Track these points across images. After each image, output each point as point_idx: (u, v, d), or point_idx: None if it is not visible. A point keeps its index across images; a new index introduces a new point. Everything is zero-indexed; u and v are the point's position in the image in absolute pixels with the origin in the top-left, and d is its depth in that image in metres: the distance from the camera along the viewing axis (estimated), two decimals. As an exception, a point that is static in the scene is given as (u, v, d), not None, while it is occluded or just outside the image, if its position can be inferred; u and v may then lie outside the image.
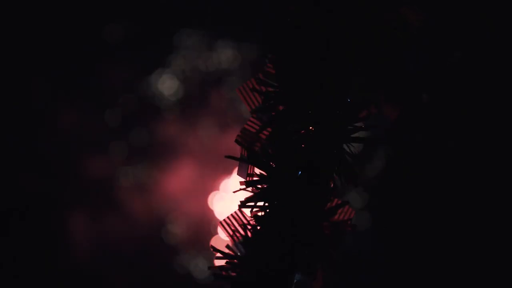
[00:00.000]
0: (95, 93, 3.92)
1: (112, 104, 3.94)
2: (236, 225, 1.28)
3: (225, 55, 4.01)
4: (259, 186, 1.26)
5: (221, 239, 3.95)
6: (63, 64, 3.87)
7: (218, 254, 1.28)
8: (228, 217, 1.28)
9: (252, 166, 1.26)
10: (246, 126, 1.26)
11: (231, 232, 1.29)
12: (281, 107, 1.25)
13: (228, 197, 4.06)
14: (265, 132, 1.24)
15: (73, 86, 3.89)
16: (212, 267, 1.29)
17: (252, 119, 1.26)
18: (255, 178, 1.26)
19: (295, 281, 1.29)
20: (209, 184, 4.06)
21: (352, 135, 1.24)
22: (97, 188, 3.89)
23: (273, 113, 1.25)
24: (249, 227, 1.28)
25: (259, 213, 1.27)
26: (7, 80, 3.82)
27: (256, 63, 3.91)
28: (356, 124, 1.23)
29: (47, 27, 3.84)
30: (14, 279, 3.69)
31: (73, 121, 3.89)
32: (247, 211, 1.30)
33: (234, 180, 4.08)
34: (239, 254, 1.29)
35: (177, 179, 4.02)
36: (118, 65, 3.93)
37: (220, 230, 3.86)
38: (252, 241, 1.28)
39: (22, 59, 3.83)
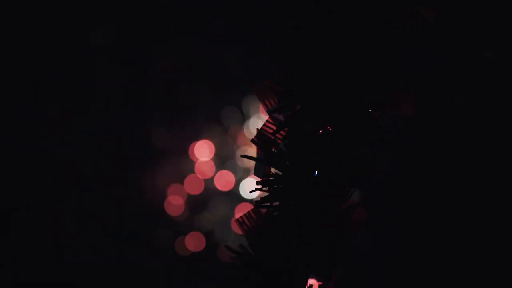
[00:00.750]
0: (90, 93, 3.91)
1: (110, 103, 3.93)
2: (251, 224, 1.29)
3: (225, 55, 4.01)
4: (275, 186, 1.26)
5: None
6: (60, 64, 3.87)
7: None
8: (242, 216, 1.29)
9: (268, 166, 1.26)
10: (263, 126, 1.26)
11: (244, 231, 1.29)
12: (297, 107, 1.25)
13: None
14: (282, 132, 1.25)
15: (68, 85, 3.88)
16: (225, 266, 1.29)
17: (268, 119, 1.26)
18: (271, 178, 1.26)
19: (308, 282, 1.29)
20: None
21: (367, 136, 1.24)
22: (94, 187, 3.88)
23: (289, 113, 1.25)
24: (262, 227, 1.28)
25: (274, 213, 1.28)
26: (5, 80, 3.81)
27: (257, 63, 3.91)
28: (371, 125, 1.23)
29: (45, 27, 3.83)
30: (14, 279, 3.68)
31: (71, 120, 3.88)
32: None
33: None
34: (251, 254, 1.29)
35: (168, 177, 4.02)
36: (112, 65, 3.93)
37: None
38: (265, 241, 1.28)
39: (20, 59, 3.82)
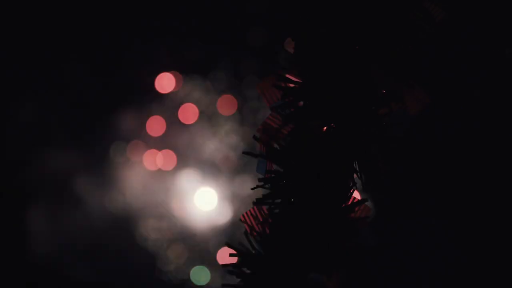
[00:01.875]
0: (58, 87, 3.89)
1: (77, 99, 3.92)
2: (254, 221, 1.28)
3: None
4: (277, 183, 1.25)
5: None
6: (26, 56, 3.85)
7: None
8: (246, 213, 1.28)
9: (271, 163, 1.25)
10: (266, 122, 1.25)
11: (248, 228, 1.28)
12: (301, 103, 1.24)
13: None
14: (285, 128, 1.24)
15: (35, 79, 3.87)
16: (225, 264, 1.28)
17: (271, 115, 1.25)
18: (273, 175, 1.25)
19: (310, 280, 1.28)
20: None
21: (373, 133, 1.23)
22: (60, 182, 3.87)
23: (292, 109, 1.24)
24: (265, 224, 1.28)
25: (276, 210, 1.27)
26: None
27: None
28: (378, 122, 1.22)
29: (13, 19, 3.82)
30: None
31: (34, 113, 3.86)
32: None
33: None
34: (254, 251, 1.28)
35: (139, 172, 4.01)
36: (82, 59, 3.91)
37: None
38: (268, 239, 1.28)
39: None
